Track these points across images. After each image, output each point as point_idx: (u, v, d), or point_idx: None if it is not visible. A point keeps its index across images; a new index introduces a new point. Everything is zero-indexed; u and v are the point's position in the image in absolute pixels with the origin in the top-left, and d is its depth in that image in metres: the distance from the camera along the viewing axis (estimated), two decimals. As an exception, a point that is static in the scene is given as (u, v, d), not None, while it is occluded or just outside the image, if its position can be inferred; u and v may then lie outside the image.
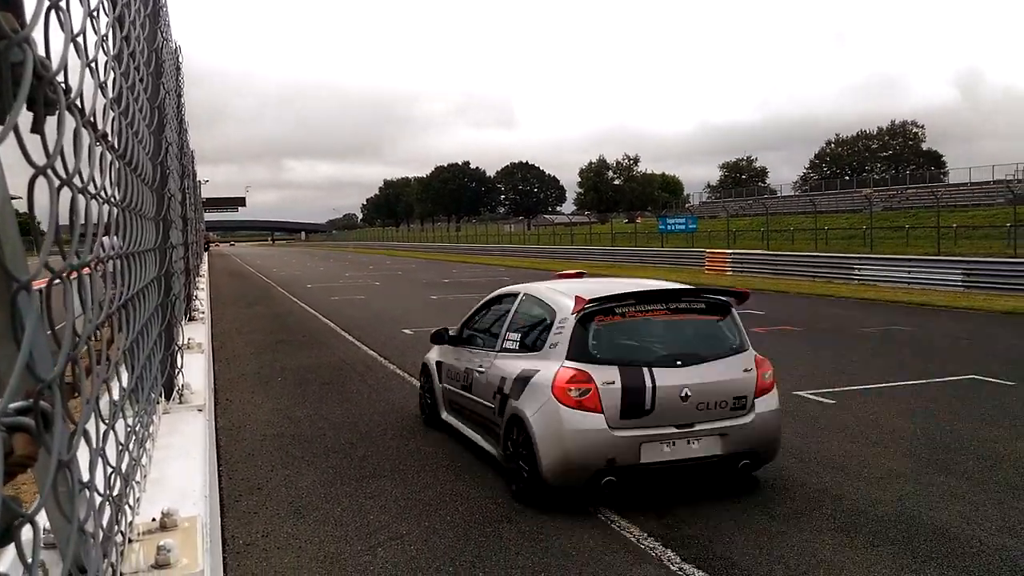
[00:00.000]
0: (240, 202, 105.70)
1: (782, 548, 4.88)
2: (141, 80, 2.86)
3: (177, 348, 3.94)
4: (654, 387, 5.60)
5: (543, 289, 6.88)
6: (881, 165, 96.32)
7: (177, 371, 3.75)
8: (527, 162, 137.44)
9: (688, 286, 6.89)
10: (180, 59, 6.41)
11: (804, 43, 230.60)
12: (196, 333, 5.87)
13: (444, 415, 7.81)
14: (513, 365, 6.28)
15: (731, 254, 33.46)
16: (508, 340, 6.68)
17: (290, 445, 7.53)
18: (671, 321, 6.24)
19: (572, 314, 5.91)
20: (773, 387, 6.17)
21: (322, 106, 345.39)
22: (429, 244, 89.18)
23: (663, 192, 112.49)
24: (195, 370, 4.28)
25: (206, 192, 61.87)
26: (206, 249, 49.33)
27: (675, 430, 5.61)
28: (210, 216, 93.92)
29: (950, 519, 5.29)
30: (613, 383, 5.57)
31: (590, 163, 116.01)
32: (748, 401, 5.88)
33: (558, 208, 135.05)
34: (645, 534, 5.16)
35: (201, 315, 7.96)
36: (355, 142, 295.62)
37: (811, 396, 8.99)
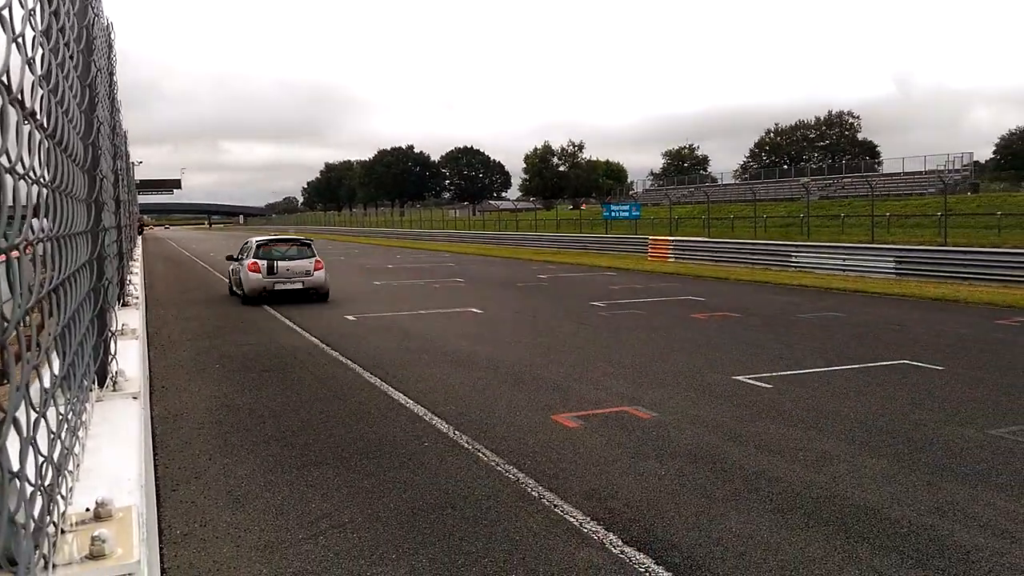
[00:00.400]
0: (175, 184, 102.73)
1: (721, 530, 4.99)
2: (71, 57, 2.76)
3: (111, 334, 3.83)
4: (277, 266, 17.97)
5: (251, 239, 19.35)
6: (818, 154, 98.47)
7: (111, 358, 3.64)
8: (472, 147, 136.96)
9: (295, 237, 21.53)
10: (112, 36, 6.19)
11: (745, 34, 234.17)
12: (130, 319, 5.71)
13: (233, 289, 19.75)
14: (244, 263, 18.35)
15: (673, 241, 33.92)
16: (242, 255, 18.89)
17: (229, 433, 7.40)
18: (288, 248, 18.85)
19: (254, 244, 18.73)
20: (322, 268, 18.56)
21: (261, 87, 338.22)
22: (372, 229, 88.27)
23: (607, 179, 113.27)
24: (130, 357, 4.16)
25: (140, 174, 60.19)
26: (140, 232, 48.33)
27: (284, 279, 17.96)
28: (144, 199, 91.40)
29: (882, 500, 5.46)
30: (265, 264, 17.88)
31: (535, 149, 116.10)
32: (311, 271, 18.29)
33: (503, 194, 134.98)
34: (588, 518, 5.22)
35: (135, 300, 7.74)
36: (296, 124, 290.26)
37: (749, 380, 9.19)
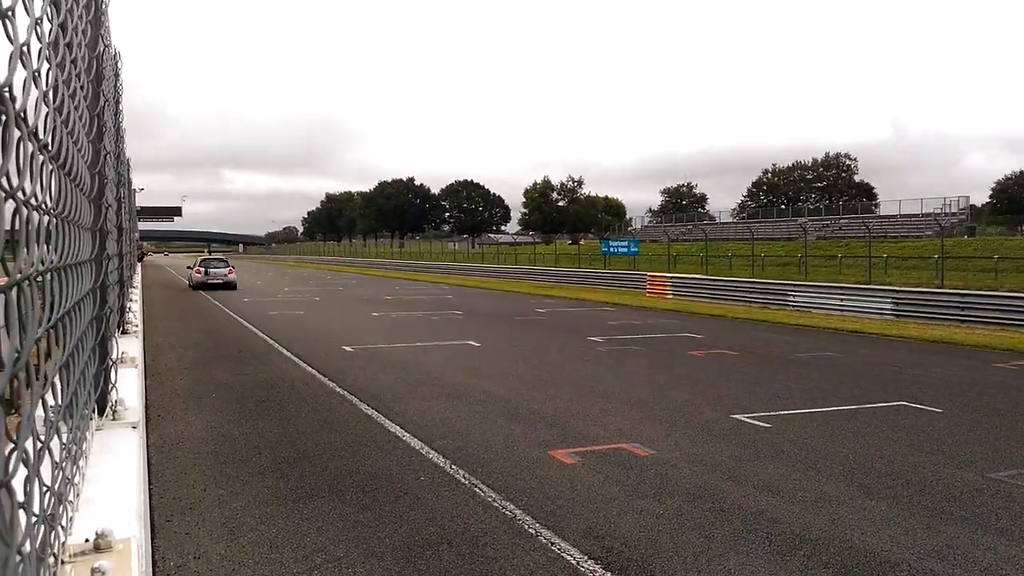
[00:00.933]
0: (176, 212, 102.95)
1: (720, 571, 4.94)
2: (82, 87, 2.79)
3: (111, 363, 3.83)
4: (210, 272, 37.61)
5: (198, 258, 42.92)
6: (815, 195, 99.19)
7: (111, 386, 3.64)
8: (472, 180, 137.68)
9: (221, 257, 44.56)
10: (119, 65, 6.27)
11: (744, 76, 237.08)
12: (130, 347, 5.71)
13: (189, 283, 39.03)
14: (193, 269, 38.77)
15: (671, 278, 33.97)
16: (193, 265, 39.74)
17: (224, 464, 7.35)
18: (217, 262, 39.35)
19: (199, 260, 40.17)
20: (233, 273, 38.06)
21: (264, 117, 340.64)
22: (372, 260, 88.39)
23: (606, 215, 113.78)
24: (128, 385, 4.16)
25: (141, 201, 60.45)
26: (140, 260, 49.04)
27: (212, 277, 37.19)
28: (144, 225, 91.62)
29: (881, 543, 5.42)
30: (206, 269, 37.81)
31: (535, 184, 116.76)
32: (227, 275, 37.54)
33: (503, 227, 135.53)
34: (585, 556, 5.17)
35: (134, 328, 7.75)
36: (298, 155, 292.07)
37: (747, 419, 9.15)
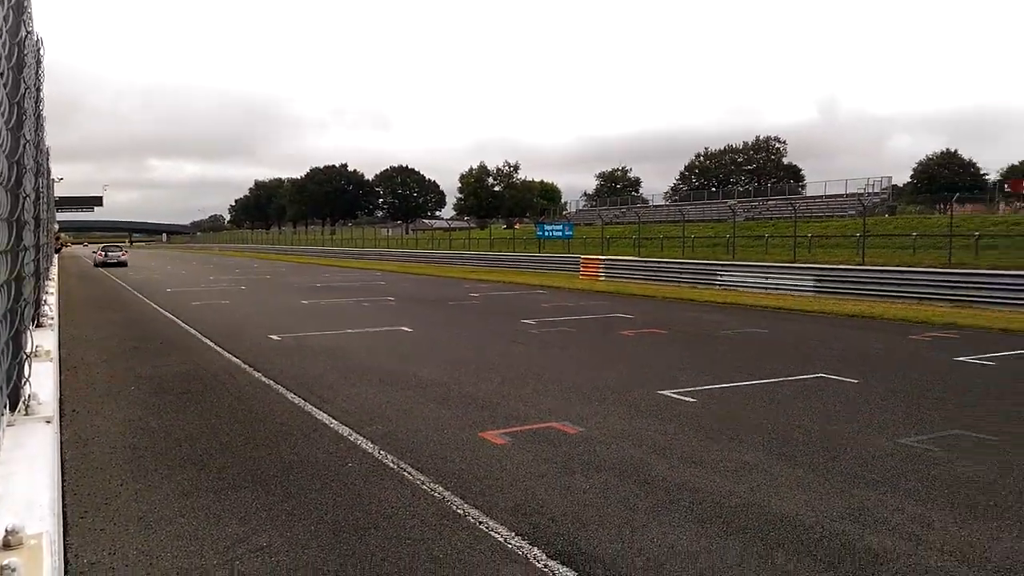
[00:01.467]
0: (97, 202, 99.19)
1: (643, 540, 5.05)
2: (1, 75, 2.69)
3: (25, 356, 3.71)
4: (108, 255, 53.23)
5: (101, 245, 59.74)
6: (745, 178, 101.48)
7: (24, 381, 3.53)
8: (407, 166, 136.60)
9: (118, 244, 65.30)
10: (42, 52, 6.02)
11: (677, 60, 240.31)
12: (44, 340, 5.54)
13: (95, 264, 53.08)
14: (97, 253, 55.31)
15: (604, 260, 34.39)
16: (96, 250, 56.75)
17: (143, 457, 7.17)
18: (114, 247, 55.29)
19: (101, 247, 57.49)
20: (126, 255, 55.18)
21: (190, 104, 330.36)
22: (302, 247, 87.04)
23: (542, 199, 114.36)
24: (43, 379, 4.04)
25: (60, 190, 58.50)
26: (58, 251, 48.22)
27: (110, 259, 52.30)
28: (63, 216, 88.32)
29: (797, 508, 5.62)
30: (105, 253, 53.48)
31: (470, 169, 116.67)
32: (121, 256, 53.45)
33: (438, 213, 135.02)
34: (513, 533, 5.22)
35: (50, 321, 7.51)
36: (226, 142, 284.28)
37: (675, 395, 9.35)
